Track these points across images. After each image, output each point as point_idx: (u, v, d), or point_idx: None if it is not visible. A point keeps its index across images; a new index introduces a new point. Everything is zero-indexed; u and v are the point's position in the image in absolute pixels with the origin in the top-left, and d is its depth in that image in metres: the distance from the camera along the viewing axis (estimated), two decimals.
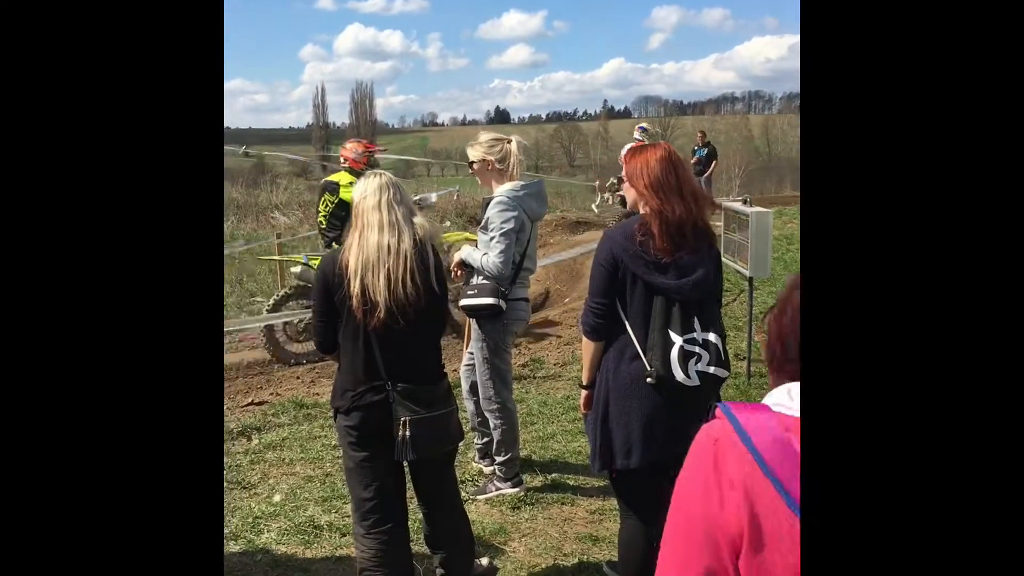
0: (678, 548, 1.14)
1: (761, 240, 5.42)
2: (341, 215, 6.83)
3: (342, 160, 7.33)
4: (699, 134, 19.11)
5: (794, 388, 1.13)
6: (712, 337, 2.91)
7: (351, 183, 6.84)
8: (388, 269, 2.94)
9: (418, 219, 3.06)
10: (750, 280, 5.80)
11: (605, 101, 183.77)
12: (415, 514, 3.52)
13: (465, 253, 4.18)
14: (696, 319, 2.91)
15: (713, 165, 18.05)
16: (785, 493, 1.04)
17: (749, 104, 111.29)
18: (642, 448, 2.89)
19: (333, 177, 7.25)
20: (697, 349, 2.89)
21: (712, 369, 2.90)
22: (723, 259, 6.22)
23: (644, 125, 16.27)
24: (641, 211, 2.98)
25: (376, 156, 7.49)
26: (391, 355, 3.02)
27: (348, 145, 7.42)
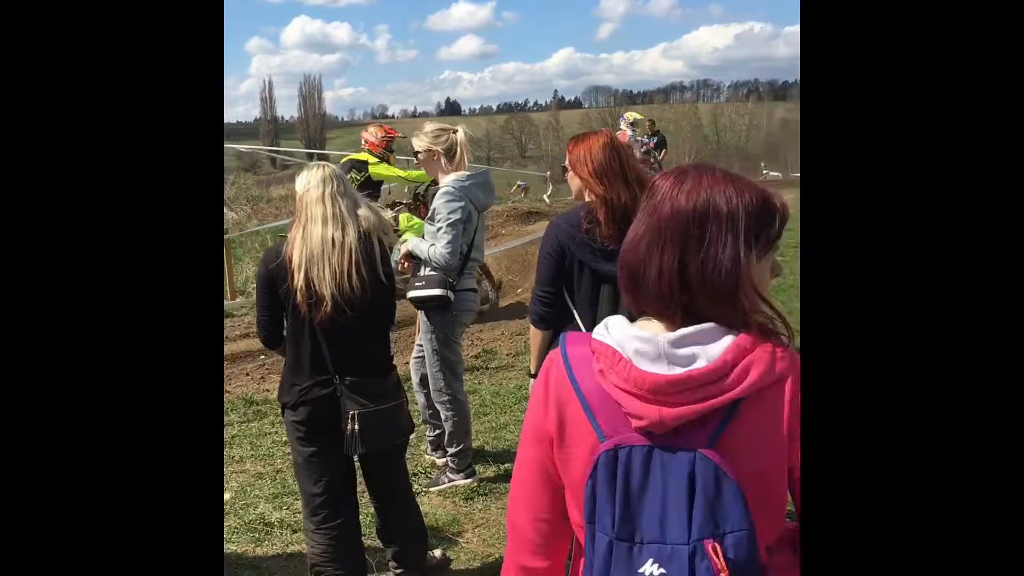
0: (523, 447, 1.38)
1: None
2: (368, 192, 6.98)
3: (363, 143, 7.61)
4: (648, 122, 19.18)
5: (612, 321, 1.30)
6: None
7: (376, 163, 7.36)
8: (333, 262, 2.91)
9: (362, 211, 3.03)
10: None
11: (555, 91, 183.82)
12: (367, 508, 3.50)
13: (412, 244, 4.16)
14: None
15: (663, 153, 18.12)
16: (584, 400, 1.27)
17: (698, 93, 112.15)
18: None
19: (357, 156, 7.53)
20: None
21: None
22: None
23: (634, 117, 14.02)
24: (586, 199, 2.99)
25: (395, 141, 7.72)
26: (338, 349, 2.99)
27: (370, 129, 7.71)
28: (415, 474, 4.34)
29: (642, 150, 13.07)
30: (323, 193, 2.97)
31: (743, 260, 1.22)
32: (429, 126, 4.22)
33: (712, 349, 1.21)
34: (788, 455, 1.20)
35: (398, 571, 3.35)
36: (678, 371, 1.20)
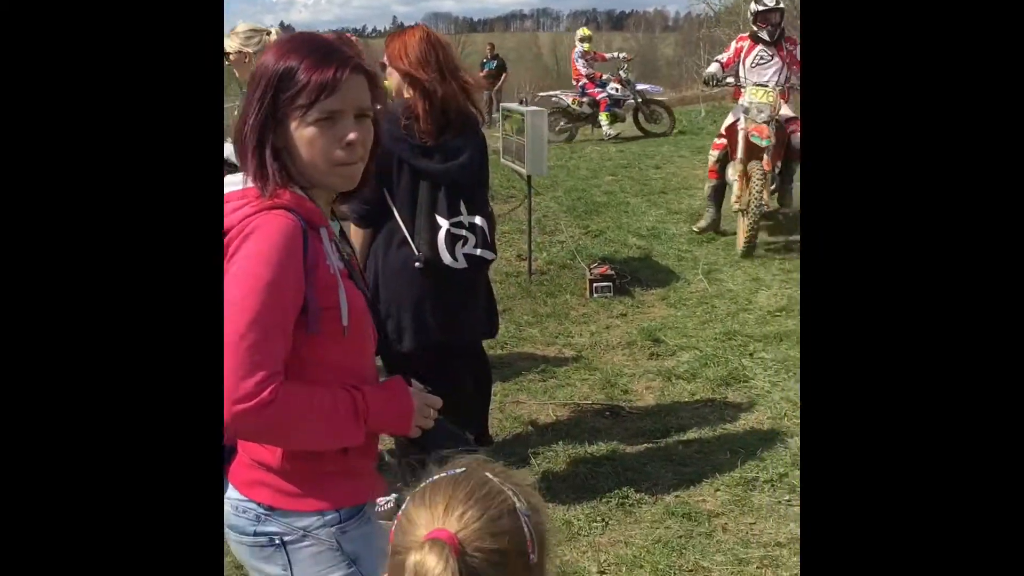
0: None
1: (536, 139, 5.51)
2: None
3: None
4: (488, 46, 19.06)
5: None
6: (478, 220, 2.95)
7: None
8: None
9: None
10: (528, 179, 5.91)
11: (394, 18, 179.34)
12: None
13: (228, 152, 3.97)
14: (462, 203, 2.93)
15: (503, 78, 18.06)
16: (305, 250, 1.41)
17: (538, 21, 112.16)
18: (413, 332, 2.91)
19: None
20: (464, 232, 2.92)
21: (479, 251, 2.95)
22: (503, 161, 6.34)
23: (582, 34, 13.22)
24: (405, 95, 2.93)
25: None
26: None
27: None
28: None
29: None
30: None
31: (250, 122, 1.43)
32: (242, 27, 4.01)
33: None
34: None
35: None
36: None
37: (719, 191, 6.88)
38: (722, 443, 3.75)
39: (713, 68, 6.87)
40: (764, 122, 6.23)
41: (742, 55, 6.71)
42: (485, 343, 3.63)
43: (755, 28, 6.72)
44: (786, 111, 6.51)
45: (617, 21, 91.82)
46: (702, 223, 7.04)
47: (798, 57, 6.44)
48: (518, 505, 1.02)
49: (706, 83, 7.08)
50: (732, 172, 6.51)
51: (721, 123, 7.05)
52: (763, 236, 6.64)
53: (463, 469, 1.05)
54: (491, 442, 3.77)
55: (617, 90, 12.43)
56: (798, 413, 3.94)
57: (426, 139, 2.84)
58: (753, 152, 6.31)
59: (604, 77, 12.71)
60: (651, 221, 7.61)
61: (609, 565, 2.92)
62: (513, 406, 4.20)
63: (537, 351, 4.93)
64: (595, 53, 13.23)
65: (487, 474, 1.05)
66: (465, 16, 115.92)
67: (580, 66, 12.73)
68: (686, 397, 4.25)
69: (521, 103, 6.02)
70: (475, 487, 1.01)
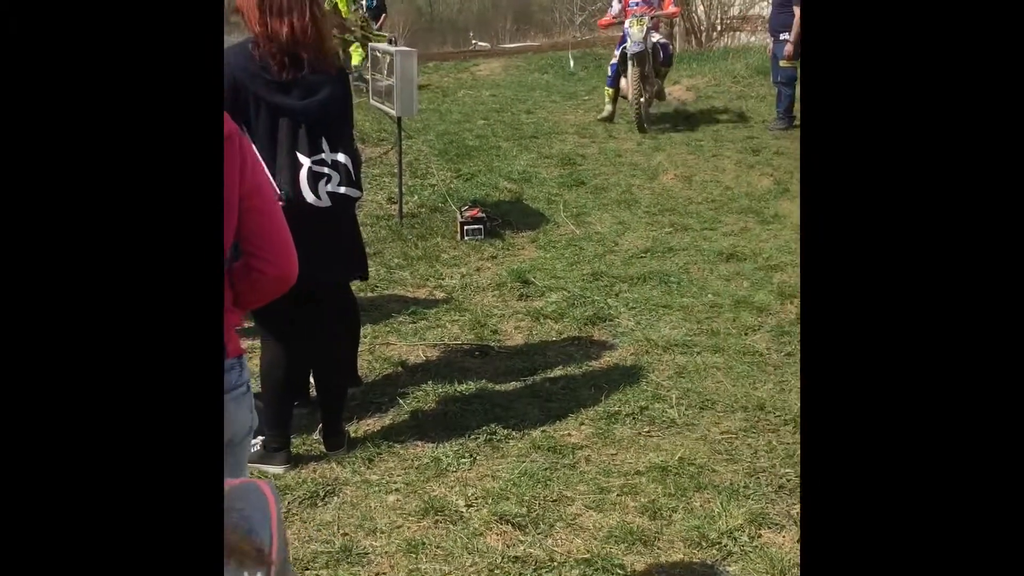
0: None
1: (406, 80, 5.44)
2: None
3: None
4: None
5: None
6: (342, 158, 2.90)
7: None
8: None
9: None
10: (398, 121, 5.84)
11: None
12: None
13: None
14: (324, 140, 2.87)
15: (383, 18, 17.58)
16: None
17: None
18: None
19: None
20: (326, 170, 2.87)
21: (343, 189, 2.91)
22: (372, 102, 6.23)
23: None
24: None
25: None
26: None
27: None
28: None
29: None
30: None
31: None
32: None
33: None
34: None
35: None
36: None
37: (615, 93, 9.37)
38: (587, 379, 3.87)
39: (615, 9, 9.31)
40: (639, 41, 8.68)
41: None
42: (355, 285, 3.61)
43: None
44: (655, 36, 9.05)
45: None
46: (603, 114, 9.45)
47: None
48: None
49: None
50: (623, 82, 9.12)
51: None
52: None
53: None
54: (361, 383, 3.78)
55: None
56: (658, 350, 4.11)
57: (284, 74, 2.77)
58: (635, 61, 8.71)
59: None
60: (522, 165, 7.66)
61: (476, 498, 2.99)
62: (383, 348, 4.20)
63: (408, 293, 4.93)
64: None
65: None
66: None
67: None
68: (553, 336, 4.35)
69: (390, 43, 5.90)
70: None
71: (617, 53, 9.15)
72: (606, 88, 9.51)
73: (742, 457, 3.20)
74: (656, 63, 9.07)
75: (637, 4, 9.01)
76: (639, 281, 5.02)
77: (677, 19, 11.72)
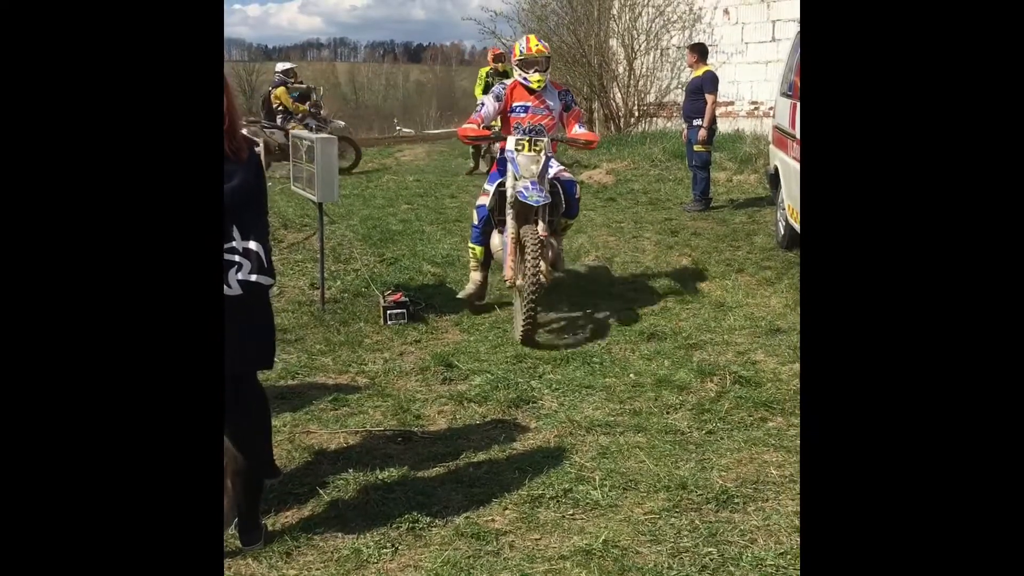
0: None
1: (327, 166, 5.47)
2: None
3: None
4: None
5: None
6: (253, 245, 2.87)
7: None
8: None
9: None
10: (320, 206, 5.84)
11: None
12: None
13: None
14: (235, 227, 2.84)
15: (308, 105, 17.68)
16: None
17: (335, 51, 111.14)
18: None
19: None
20: (237, 258, 2.84)
21: (255, 277, 2.87)
22: (294, 188, 6.22)
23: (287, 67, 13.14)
24: None
25: None
26: None
27: None
28: None
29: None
30: None
31: None
32: None
33: None
34: None
35: None
36: None
37: (485, 254, 5.81)
38: (510, 463, 3.83)
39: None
40: (535, 182, 5.30)
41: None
42: (275, 373, 3.53)
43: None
44: (554, 167, 5.62)
45: (414, 54, 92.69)
46: (467, 290, 5.90)
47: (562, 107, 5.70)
48: None
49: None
50: (498, 241, 5.60)
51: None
52: (542, 316, 5.66)
53: None
54: (279, 473, 3.67)
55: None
56: (581, 431, 4.10)
57: None
58: (523, 216, 5.37)
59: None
60: (446, 249, 7.70)
61: None
62: (303, 436, 4.10)
63: (329, 380, 4.85)
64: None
65: None
66: (260, 43, 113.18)
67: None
68: (477, 419, 4.32)
69: (307, 129, 5.94)
70: None
71: (489, 190, 5.60)
72: (471, 246, 5.84)
73: (665, 538, 3.19)
74: (556, 216, 5.63)
75: (527, 110, 5.58)
76: (562, 362, 5.04)
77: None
